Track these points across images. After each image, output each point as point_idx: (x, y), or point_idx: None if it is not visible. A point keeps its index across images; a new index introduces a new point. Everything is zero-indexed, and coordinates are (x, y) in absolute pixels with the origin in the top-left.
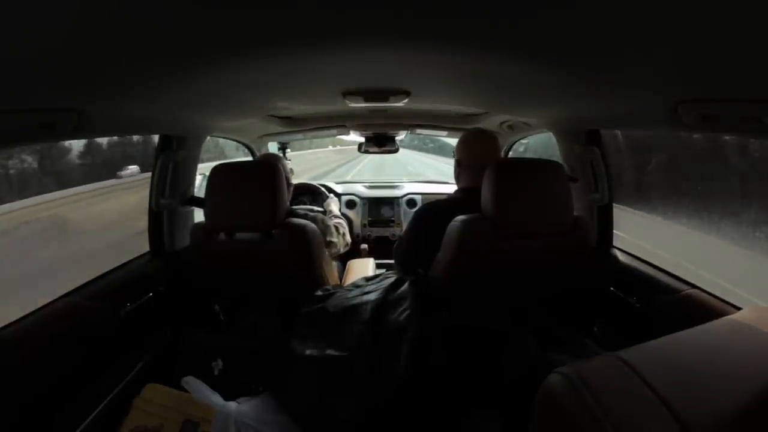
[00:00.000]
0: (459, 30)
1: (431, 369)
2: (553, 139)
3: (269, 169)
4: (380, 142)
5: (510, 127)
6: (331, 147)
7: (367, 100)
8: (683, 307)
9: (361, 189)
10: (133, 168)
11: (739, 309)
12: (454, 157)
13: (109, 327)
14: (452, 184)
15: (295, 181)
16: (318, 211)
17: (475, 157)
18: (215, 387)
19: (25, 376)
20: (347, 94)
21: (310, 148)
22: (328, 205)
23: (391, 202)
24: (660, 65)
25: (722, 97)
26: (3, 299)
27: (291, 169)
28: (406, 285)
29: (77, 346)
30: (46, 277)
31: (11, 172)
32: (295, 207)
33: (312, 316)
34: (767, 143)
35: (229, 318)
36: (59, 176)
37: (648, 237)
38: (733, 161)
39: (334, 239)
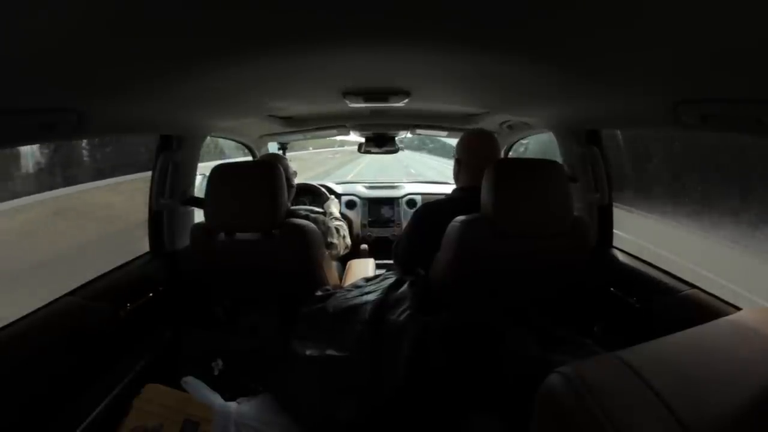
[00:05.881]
0: (459, 30)
1: (431, 369)
2: (553, 139)
3: (269, 169)
4: (380, 142)
5: (510, 127)
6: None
7: (367, 101)
8: (683, 307)
9: (361, 189)
10: None
11: (739, 309)
12: (454, 156)
13: (109, 327)
14: (452, 184)
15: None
16: (318, 212)
17: (475, 157)
18: (215, 387)
19: (25, 376)
20: (347, 94)
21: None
22: (329, 206)
23: (391, 202)
24: (660, 65)
25: (722, 97)
26: None
27: (294, 172)
28: (405, 285)
29: (77, 346)
30: None
31: None
32: (295, 207)
33: (312, 316)
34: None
35: (229, 318)
36: None
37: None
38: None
39: (335, 241)
